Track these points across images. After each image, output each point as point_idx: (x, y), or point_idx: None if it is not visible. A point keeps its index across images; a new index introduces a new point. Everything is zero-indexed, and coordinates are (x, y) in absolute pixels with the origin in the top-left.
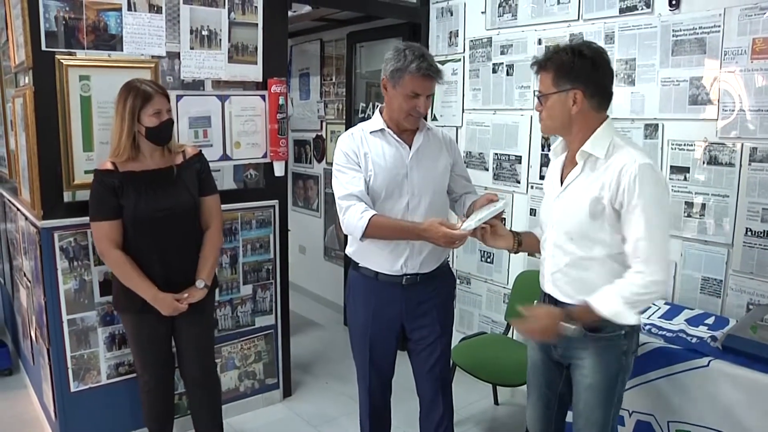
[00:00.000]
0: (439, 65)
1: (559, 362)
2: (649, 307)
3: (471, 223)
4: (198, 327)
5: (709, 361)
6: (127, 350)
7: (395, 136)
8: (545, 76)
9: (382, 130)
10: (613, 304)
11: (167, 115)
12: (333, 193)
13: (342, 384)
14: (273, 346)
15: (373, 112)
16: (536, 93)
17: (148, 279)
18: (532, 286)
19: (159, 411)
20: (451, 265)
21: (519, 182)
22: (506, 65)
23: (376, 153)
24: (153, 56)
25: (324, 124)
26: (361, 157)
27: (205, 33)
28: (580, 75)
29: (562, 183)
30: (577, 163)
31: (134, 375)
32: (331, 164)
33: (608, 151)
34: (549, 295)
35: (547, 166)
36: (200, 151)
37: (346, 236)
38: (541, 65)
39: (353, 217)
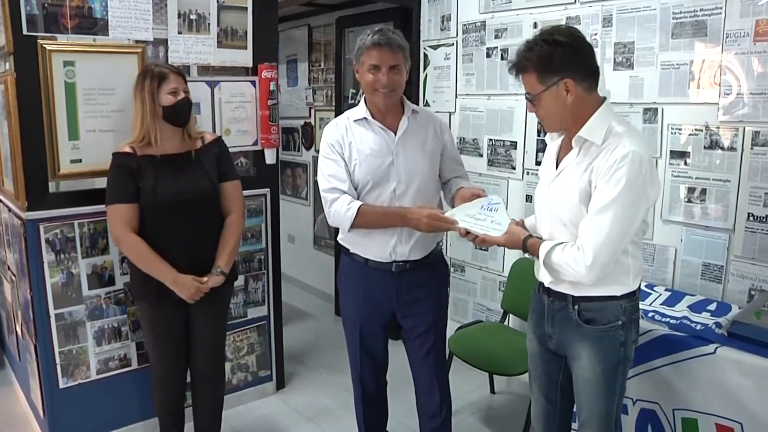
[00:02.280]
0: (398, 37)
1: (556, 353)
2: (650, 294)
3: (469, 225)
4: (214, 317)
5: (716, 348)
6: (117, 344)
7: (379, 123)
8: (528, 77)
9: (365, 118)
10: (542, 255)
11: (184, 94)
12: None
13: (335, 374)
14: (266, 337)
15: (362, 99)
16: (526, 96)
17: (166, 261)
18: (528, 273)
19: (170, 402)
20: (444, 253)
21: (514, 168)
22: (500, 49)
23: (360, 141)
24: (139, 41)
25: (313, 111)
26: (346, 146)
27: (193, 17)
28: (564, 63)
29: (557, 168)
30: (573, 148)
31: (125, 370)
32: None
33: (605, 137)
34: (542, 284)
35: (542, 152)
36: (219, 136)
37: None
38: (519, 67)
39: (341, 209)
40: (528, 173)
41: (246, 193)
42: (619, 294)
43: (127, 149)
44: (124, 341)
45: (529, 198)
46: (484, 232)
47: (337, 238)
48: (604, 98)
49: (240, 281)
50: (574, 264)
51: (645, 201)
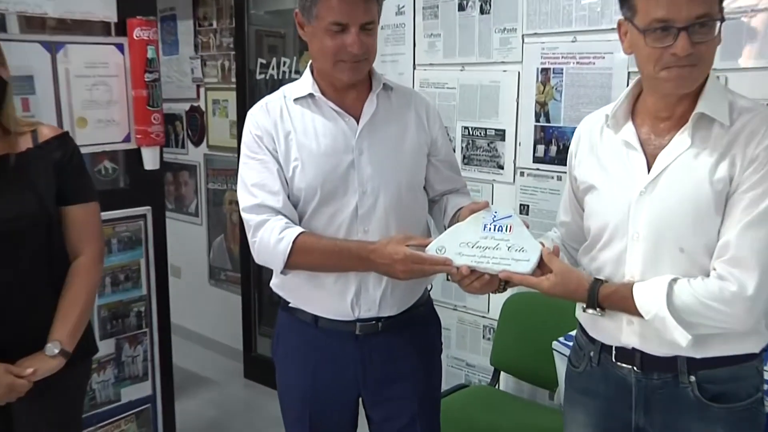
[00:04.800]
0: None
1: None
2: None
3: (473, 260)
4: (53, 416)
5: None
6: None
7: (332, 104)
8: None
9: (311, 95)
10: (655, 303)
11: None
12: (222, 193)
13: None
14: (150, 428)
15: (277, 72)
16: (695, 21)
17: None
18: (529, 314)
19: None
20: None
21: (501, 167)
22: (479, 0)
23: (303, 131)
24: None
25: (202, 90)
26: (280, 139)
27: None
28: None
29: (651, 167)
30: (673, 135)
31: None
32: (214, 149)
33: (731, 114)
34: (624, 349)
35: (543, 144)
36: (65, 132)
37: (246, 252)
38: None
39: (269, 239)
40: (522, 174)
41: (115, 214)
42: (757, 350)
43: None
44: None
45: (524, 208)
46: (503, 268)
47: (271, 284)
48: None
49: (109, 348)
50: (722, 303)
51: None
